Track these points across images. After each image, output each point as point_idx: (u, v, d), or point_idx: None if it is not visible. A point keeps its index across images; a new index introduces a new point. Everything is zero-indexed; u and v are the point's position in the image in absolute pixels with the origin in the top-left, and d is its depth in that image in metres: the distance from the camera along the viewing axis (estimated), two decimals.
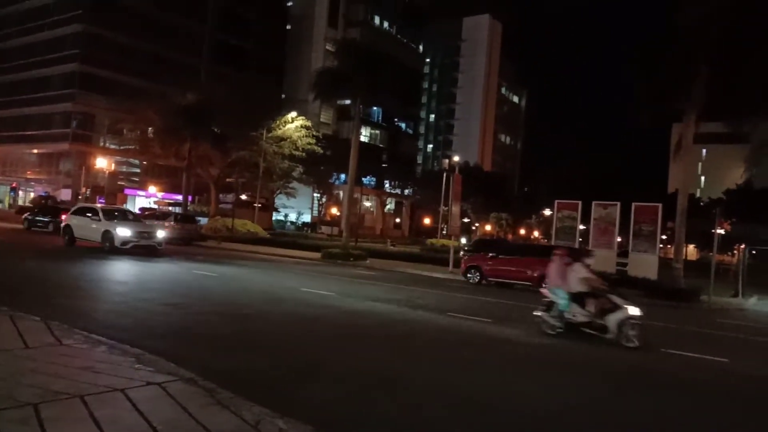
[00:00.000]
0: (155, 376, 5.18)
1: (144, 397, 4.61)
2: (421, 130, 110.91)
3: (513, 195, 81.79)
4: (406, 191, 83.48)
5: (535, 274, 19.82)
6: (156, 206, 49.68)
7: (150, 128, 40.85)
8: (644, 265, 23.72)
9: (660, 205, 24.80)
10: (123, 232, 20.66)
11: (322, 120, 69.19)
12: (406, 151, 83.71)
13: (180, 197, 43.79)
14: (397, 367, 7.30)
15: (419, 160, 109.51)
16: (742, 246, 29.72)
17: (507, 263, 21.08)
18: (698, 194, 77.96)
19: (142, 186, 55.75)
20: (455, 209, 29.05)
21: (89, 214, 22.01)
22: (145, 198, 55.43)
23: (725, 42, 21.54)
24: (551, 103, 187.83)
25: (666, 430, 5.89)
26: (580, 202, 26.71)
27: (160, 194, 54.67)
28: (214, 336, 8.29)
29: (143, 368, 5.45)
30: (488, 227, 78.18)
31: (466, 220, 70.06)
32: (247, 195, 51.77)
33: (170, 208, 47.22)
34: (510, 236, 75.55)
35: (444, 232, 47.16)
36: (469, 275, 21.66)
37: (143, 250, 21.11)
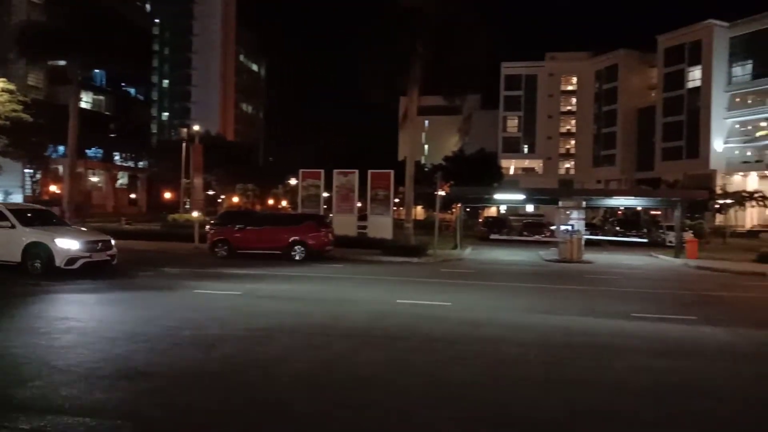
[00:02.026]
0: None
1: None
2: (155, 96, 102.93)
3: (259, 165, 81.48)
4: (141, 164, 77.10)
5: (284, 242, 20.20)
6: None
7: None
8: (381, 226, 25.88)
9: (392, 172, 27.09)
10: (67, 243, 13.77)
11: (30, 83, 59.44)
12: (138, 119, 77.00)
13: None
14: None
15: (154, 129, 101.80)
16: (459, 205, 34.20)
17: (255, 234, 20.98)
18: (423, 161, 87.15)
19: None
20: (197, 181, 27.72)
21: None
22: None
23: (438, 24, 24.07)
24: (294, 73, 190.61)
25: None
26: (322, 171, 27.72)
27: None
28: None
29: None
30: (235, 199, 76.79)
31: (210, 192, 67.73)
32: None
33: None
34: (258, 207, 75.34)
35: (187, 206, 44.80)
36: (216, 249, 20.97)
37: (93, 269, 14.17)
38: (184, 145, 47.82)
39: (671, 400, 5.76)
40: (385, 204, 26.66)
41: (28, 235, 13.87)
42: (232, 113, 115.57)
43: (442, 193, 34.93)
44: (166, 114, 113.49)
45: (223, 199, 74.15)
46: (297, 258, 20.06)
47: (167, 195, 70.98)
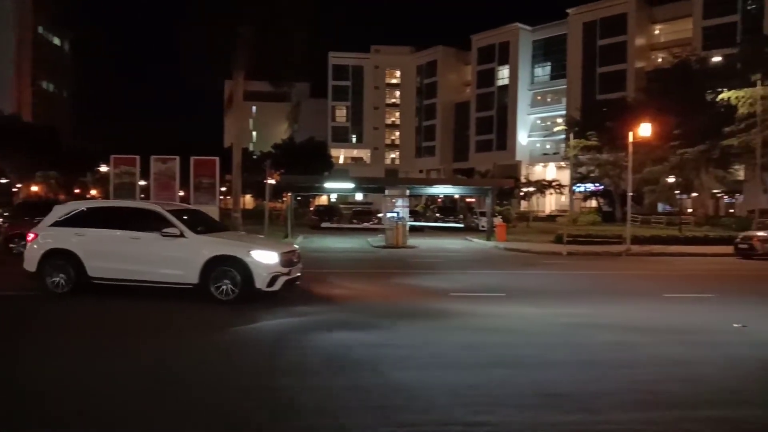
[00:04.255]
0: None
1: None
2: None
3: (63, 151, 73.18)
4: None
5: None
6: None
7: None
8: None
9: (217, 159, 25.89)
10: (266, 256, 10.08)
11: None
12: None
13: None
14: None
15: None
16: (289, 194, 33.86)
17: None
18: (251, 148, 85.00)
19: None
20: None
21: (134, 224, 10.53)
22: None
23: (263, 7, 23.45)
24: (107, 50, 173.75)
25: None
26: (138, 157, 25.59)
27: None
28: None
29: None
30: (35, 188, 68.22)
31: (3, 180, 59.58)
32: None
33: None
34: (62, 197, 67.73)
35: None
36: (12, 245, 18.35)
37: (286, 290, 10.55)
38: None
39: (475, 370, 6.16)
40: (210, 193, 25.41)
41: (209, 247, 10.12)
42: (29, 91, 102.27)
43: (271, 181, 34.31)
44: None
45: (19, 188, 65.49)
46: None
47: None
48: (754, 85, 31.96)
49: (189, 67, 24.43)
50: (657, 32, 70.40)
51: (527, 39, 79.94)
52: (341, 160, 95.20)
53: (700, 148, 39.18)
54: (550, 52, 78.27)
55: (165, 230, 10.06)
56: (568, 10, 73.13)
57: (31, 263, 10.72)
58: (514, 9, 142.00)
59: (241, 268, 9.77)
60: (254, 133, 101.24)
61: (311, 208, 50.18)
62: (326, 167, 71.49)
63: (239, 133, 28.99)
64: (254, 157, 69.30)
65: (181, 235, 10.08)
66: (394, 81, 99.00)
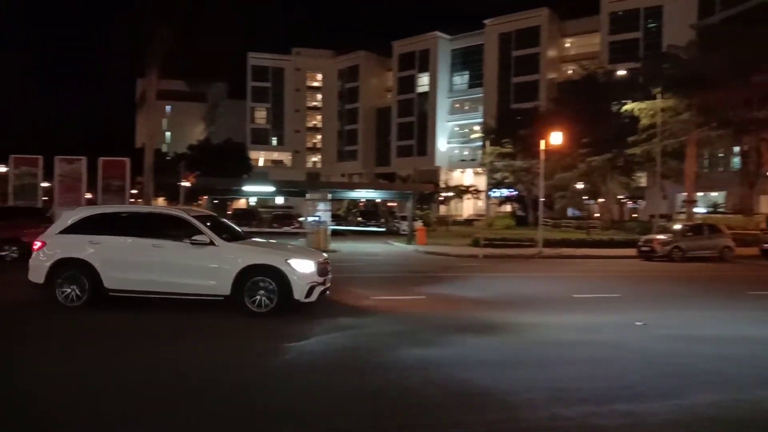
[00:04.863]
0: None
1: None
2: None
3: None
4: None
5: None
6: None
7: None
8: None
9: (128, 160, 24.70)
10: (304, 265, 9.42)
11: None
12: None
13: None
14: None
15: None
16: (206, 197, 32.81)
17: None
18: (165, 149, 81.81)
19: None
20: None
21: (155, 231, 9.70)
22: None
23: (180, 5, 22.65)
24: (8, 44, 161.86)
25: None
26: (41, 157, 23.99)
27: None
28: None
29: None
30: None
31: None
32: None
33: None
34: None
35: None
36: None
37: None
38: None
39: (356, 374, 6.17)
40: (119, 195, 24.18)
41: (243, 255, 9.44)
42: None
43: (186, 183, 33.12)
44: None
45: None
46: (8, 260, 17.03)
47: None
48: (654, 98, 34.20)
49: (99, 63, 23.25)
50: (568, 45, 74.05)
51: (446, 47, 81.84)
52: (261, 163, 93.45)
53: (606, 156, 41.44)
54: (468, 61, 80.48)
55: (195, 238, 9.36)
56: (485, 21, 75.51)
57: (38, 274, 9.72)
58: (435, 17, 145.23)
59: (278, 278, 9.18)
60: (168, 134, 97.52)
61: (229, 212, 48.92)
62: (245, 170, 69.96)
63: (152, 133, 27.82)
64: (168, 158, 66.79)
65: (211, 243, 9.39)
66: (315, 84, 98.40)
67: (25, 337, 8.04)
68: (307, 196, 27.31)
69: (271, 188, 35.83)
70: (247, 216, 42.21)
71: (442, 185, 68.20)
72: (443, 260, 21.98)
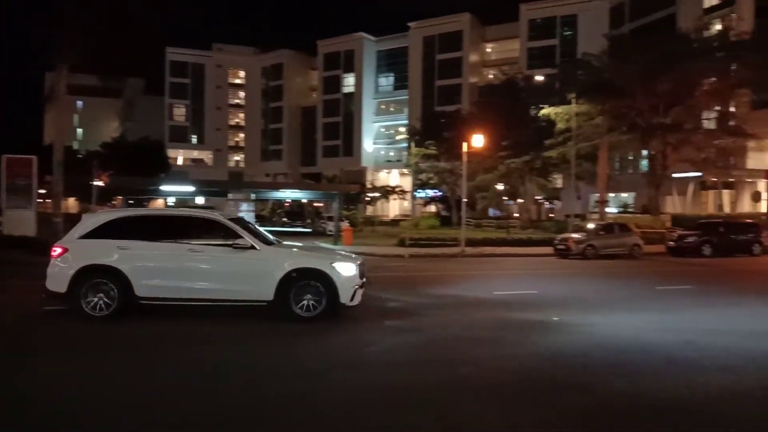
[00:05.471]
0: None
1: None
2: None
3: None
4: None
5: None
6: None
7: None
8: (21, 222, 21.89)
9: (35, 158, 23.14)
10: (348, 268, 9.24)
11: None
12: None
13: None
14: None
15: None
16: (120, 197, 31.31)
17: None
18: (76, 146, 77.56)
19: None
20: None
21: (188, 235, 9.24)
22: None
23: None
24: None
25: None
26: None
27: None
28: None
29: None
30: None
31: None
32: None
33: None
34: None
35: None
36: None
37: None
38: None
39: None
40: (26, 195, 22.57)
41: (287, 259, 9.23)
42: None
43: (100, 183, 31.54)
44: None
45: None
46: None
47: None
48: (570, 103, 35.82)
49: (2, 56, 21.65)
50: (489, 50, 76.26)
51: (372, 49, 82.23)
52: (180, 162, 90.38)
53: (524, 159, 43.00)
54: (393, 63, 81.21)
55: (237, 242, 9.01)
56: (410, 24, 76.49)
57: (59, 282, 8.88)
58: (359, 18, 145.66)
59: (325, 282, 8.98)
60: (80, 131, 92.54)
61: None
62: (163, 169, 67.36)
63: (62, 129, 26.22)
64: (80, 156, 63.32)
65: (252, 247, 9.05)
66: (238, 81, 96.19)
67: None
68: (230, 196, 26.65)
69: (190, 188, 34.68)
70: None
71: (368, 186, 68.45)
72: (370, 260, 21.98)
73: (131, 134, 75.55)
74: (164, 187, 35.19)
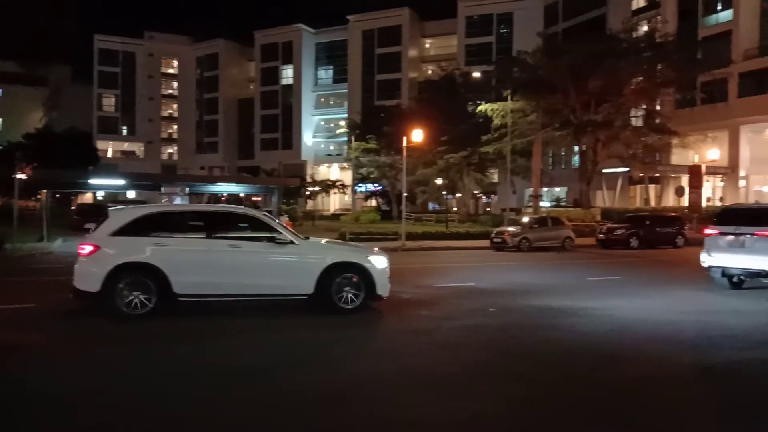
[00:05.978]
0: None
1: None
2: None
3: None
4: None
5: None
6: None
7: None
8: None
9: None
10: (382, 261, 9.66)
11: None
12: None
13: None
14: None
15: None
16: (45, 191, 29.77)
17: None
18: None
19: None
20: None
21: (225, 231, 9.28)
22: None
23: None
24: None
25: None
26: None
27: None
28: None
29: None
30: None
31: None
32: None
33: None
34: None
35: None
36: None
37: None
38: None
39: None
40: None
41: (327, 253, 9.54)
42: None
43: (22, 176, 29.82)
44: None
45: None
46: None
47: None
48: (505, 99, 36.63)
49: None
50: (427, 46, 76.98)
51: (311, 41, 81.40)
52: (110, 154, 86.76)
53: (462, 154, 43.70)
54: (332, 56, 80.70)
55: (278, 237, 9.18)
56: (349, 17, 76.18)
57: (91, 281, 8.57)
58: (298, 9, 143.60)
59: (364, 275, 9.34)
60: None
61: (74, 207, 44.77)
62: (92, 161, 64.39)
63: None
64: (0, 147, 59.73)
65: (291, 242, 9.23)
66: (171, 71, 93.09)
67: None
68: (163, 189, 25.81)
69: (120, 181, 33.39)
70: (93, 212, 38.77)
71: (308, 179, 67.90)
72: None
73: (57, 125, 71.77)
74: (93, 181, 33.76)
